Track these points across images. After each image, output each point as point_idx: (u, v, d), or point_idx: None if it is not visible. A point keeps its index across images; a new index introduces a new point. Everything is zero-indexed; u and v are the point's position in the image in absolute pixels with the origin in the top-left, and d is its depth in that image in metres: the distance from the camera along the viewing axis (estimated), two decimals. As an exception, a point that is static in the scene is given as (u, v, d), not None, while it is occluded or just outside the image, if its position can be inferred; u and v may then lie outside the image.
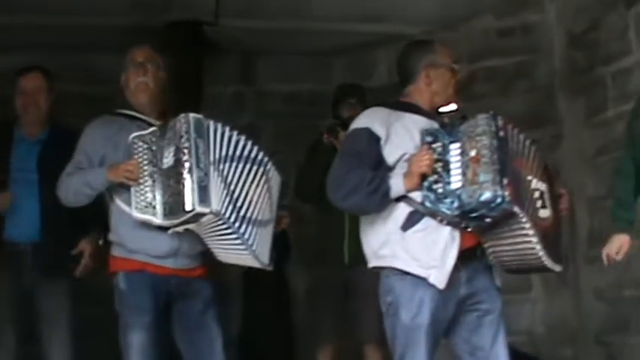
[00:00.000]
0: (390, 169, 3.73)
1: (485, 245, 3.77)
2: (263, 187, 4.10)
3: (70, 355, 4.70)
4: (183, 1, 6.21)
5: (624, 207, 4.27)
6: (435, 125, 3.76)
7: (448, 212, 3.62)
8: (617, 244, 4.21)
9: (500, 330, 3.84)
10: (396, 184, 3.68)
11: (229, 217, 3.95)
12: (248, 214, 4.01)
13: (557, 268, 3.77)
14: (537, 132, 5.61)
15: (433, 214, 3.66)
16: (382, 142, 3.73)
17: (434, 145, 3.66)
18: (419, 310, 3.69)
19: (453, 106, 3.91)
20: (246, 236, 4.00)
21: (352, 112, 4.78)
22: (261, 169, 4.10)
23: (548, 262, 3.70)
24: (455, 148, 3.64)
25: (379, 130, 3.74)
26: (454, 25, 6.60)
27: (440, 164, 3.63)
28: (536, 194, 3.69)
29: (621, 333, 5.84)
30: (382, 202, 3.71)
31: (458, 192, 3.58)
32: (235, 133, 4.09)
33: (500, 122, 3.63)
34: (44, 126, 4.83)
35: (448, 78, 3.91)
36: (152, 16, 6.27)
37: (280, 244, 6.58)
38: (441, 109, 3.89)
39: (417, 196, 3.68)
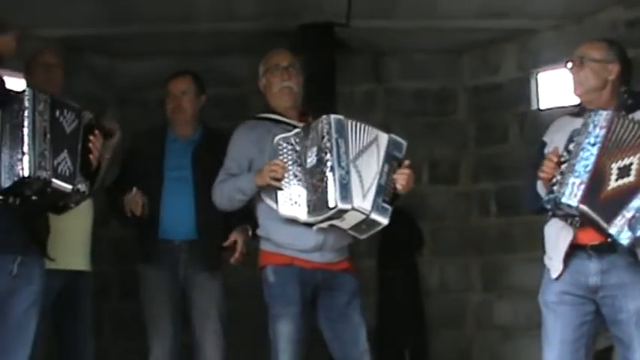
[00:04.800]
0: None
1: None
2: (377, 159, 4.21)
3: (222, 345, 4.84)
4: (316, 5, 6.38)
5: None
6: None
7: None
8: None
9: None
10: (540, 186, 3.93)
11: (369, 210, 4.10)
12: (372, 196, 4.14)
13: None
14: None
15: (554, 212, 3.87)
16: (546, 148, 3.98)
17: (570, 146, 3.79)
18: (545, 288, 3.96)
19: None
20: (375, 217, 4.14)
21: None
22: (374, 145, 4.21)
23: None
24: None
25: (547, 138, 4.04)
26: (581, 18, 6.58)
27: (565, 165, 3.76)
28: (615, 173, 3.69)
29: None
30: (533, 204, 4.02)
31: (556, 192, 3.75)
32: (367, 125, 4.24)
33: (598, 119, 3.72)
34: (194, 127, 4.98)
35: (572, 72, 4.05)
36: (285, 20, 6.48)
37: (414, 237, 6.85)
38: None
39: None
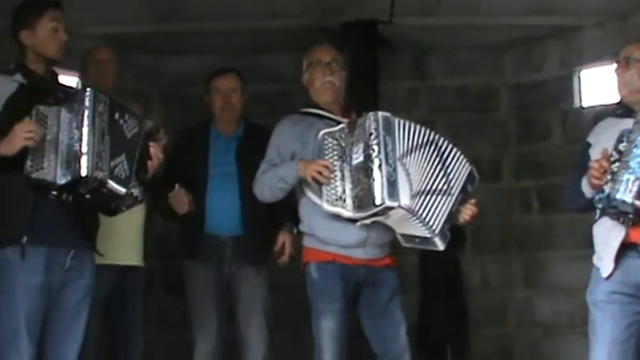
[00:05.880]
0: None
1: None
2: (435, 163, 4.20)
3: (266, 339, 4.88)
4: (359, 2, 6.43)
5: None
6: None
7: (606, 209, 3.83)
8: None
9: None
10: (585, 185, 3.93)
11: (417, 210, 4.10)
12: (426, 201, 4.13)
13: None
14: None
15: (604, 211, 3.87)
16: (590, 149, 4.01)
17: (619, 146, 3.81)
18: (594, 287, 3.97)
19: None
20: (429, 222, 4.12)
21: None
22: (432, 147, 4.20)
23: None
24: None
25: (592, 139, 4.06)
26: (625, 15, 6.56)
27: (617, 164, 3.77)
28: None
29: None
30: (574, 203, 4.09)
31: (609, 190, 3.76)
32: (415, 124, 4.22)
33: None
34: (238, 123, 5.03)
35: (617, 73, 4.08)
36: (327, 17, 6.52)
37: (455, 234, 6.85)
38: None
39: None
